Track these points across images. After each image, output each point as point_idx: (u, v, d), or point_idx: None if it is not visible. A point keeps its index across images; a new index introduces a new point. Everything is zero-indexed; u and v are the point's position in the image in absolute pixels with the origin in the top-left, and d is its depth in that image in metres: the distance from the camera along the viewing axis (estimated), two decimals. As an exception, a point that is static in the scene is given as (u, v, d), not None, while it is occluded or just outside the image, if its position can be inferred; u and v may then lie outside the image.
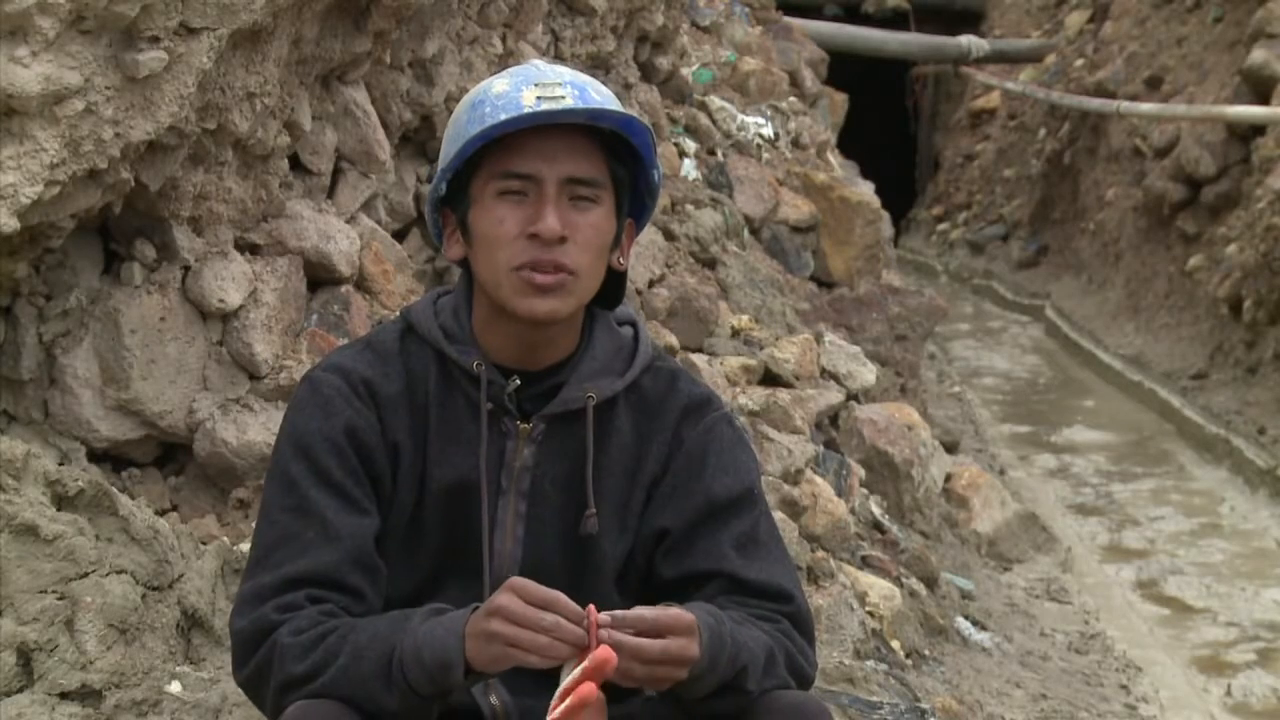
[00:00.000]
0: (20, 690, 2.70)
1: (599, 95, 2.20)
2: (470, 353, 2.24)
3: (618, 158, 2.23)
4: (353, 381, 2.23)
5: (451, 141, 2.22)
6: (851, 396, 6.41)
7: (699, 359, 5.54)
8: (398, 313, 2.49)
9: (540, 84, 2.18)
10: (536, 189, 2.18)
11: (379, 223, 4.50)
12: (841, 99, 11.82)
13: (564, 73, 2.23)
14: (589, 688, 1.94)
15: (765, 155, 8.42)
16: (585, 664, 1.95)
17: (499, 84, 2.21)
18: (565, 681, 1.96)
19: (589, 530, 2.24)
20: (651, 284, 5.98)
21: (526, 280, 2.17)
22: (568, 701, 1.94)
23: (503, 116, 2.15)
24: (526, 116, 2.15)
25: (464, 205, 2.23)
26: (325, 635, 2.10)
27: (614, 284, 2.31)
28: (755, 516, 2.29)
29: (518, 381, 2.23)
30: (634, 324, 2.36)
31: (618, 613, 2.02)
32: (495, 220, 2.19)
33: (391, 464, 2.23)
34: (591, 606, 2.00)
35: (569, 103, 2.16)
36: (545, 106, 2.15)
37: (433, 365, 2.25)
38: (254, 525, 2.32)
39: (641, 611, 2.03)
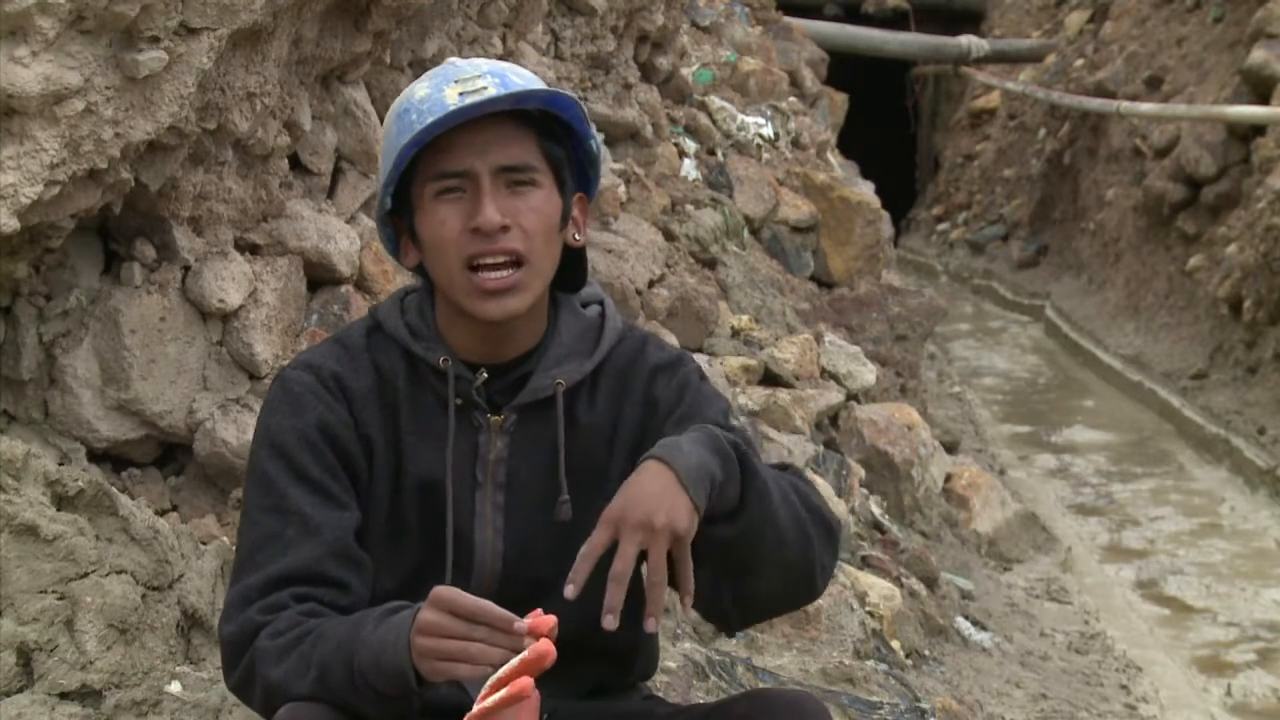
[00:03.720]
0: (20, 690, 2.70)
1: (519, 79, 2.20)
2: (436, 349, 2.24)
3: (551, 136, 2.23)
4: (323, 377, 2.23)
5: (386, 155, 2.23)
6: (851, 396, 6.41)
7: (699, 359, 5.54)
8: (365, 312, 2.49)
9: (460, 79, 2.19)
10: (472, 183, 2.18)
11: (379, 223, 4.49)
12: (841, 99, 11.82)
13: (481, 64, 2.23)
14: (525, 682, 1.88)
15: (765, 155, 8.42)
16: (524, 655, 1.89)
17: (420, 89, 2.22)
18: (501, 671, 1.90)
19: (563, 517, 2.23)
20: (651, 284, 5.98)
21: (478, 285, 2.17)
22: (501, 693, 1.88)
23: (429, 120, 2.15)
24: (453, 114, 2.15)
25: (409, 213, 2.24)
26: (300, 639, 2.09)
27: (575, 263, 2.30)
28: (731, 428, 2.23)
29: (484, 375, 2.23)
30: (601, 302, 2.35)
31: (574, 576, 1.98)
32: (438, 221, 2.19)
33: (366, 458, 2.23)
34: (533, 616, 1.93)
35: (491, 92, 2.17)
36: (469, 100, 2.15)
37: (400, 362, 2.26)
38: (237, 529, 2.32)
39: (581, 557, 1.99)
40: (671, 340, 5.49)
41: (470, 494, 2.24)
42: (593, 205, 2.38)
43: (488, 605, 1.94)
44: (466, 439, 2.23)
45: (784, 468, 2.23)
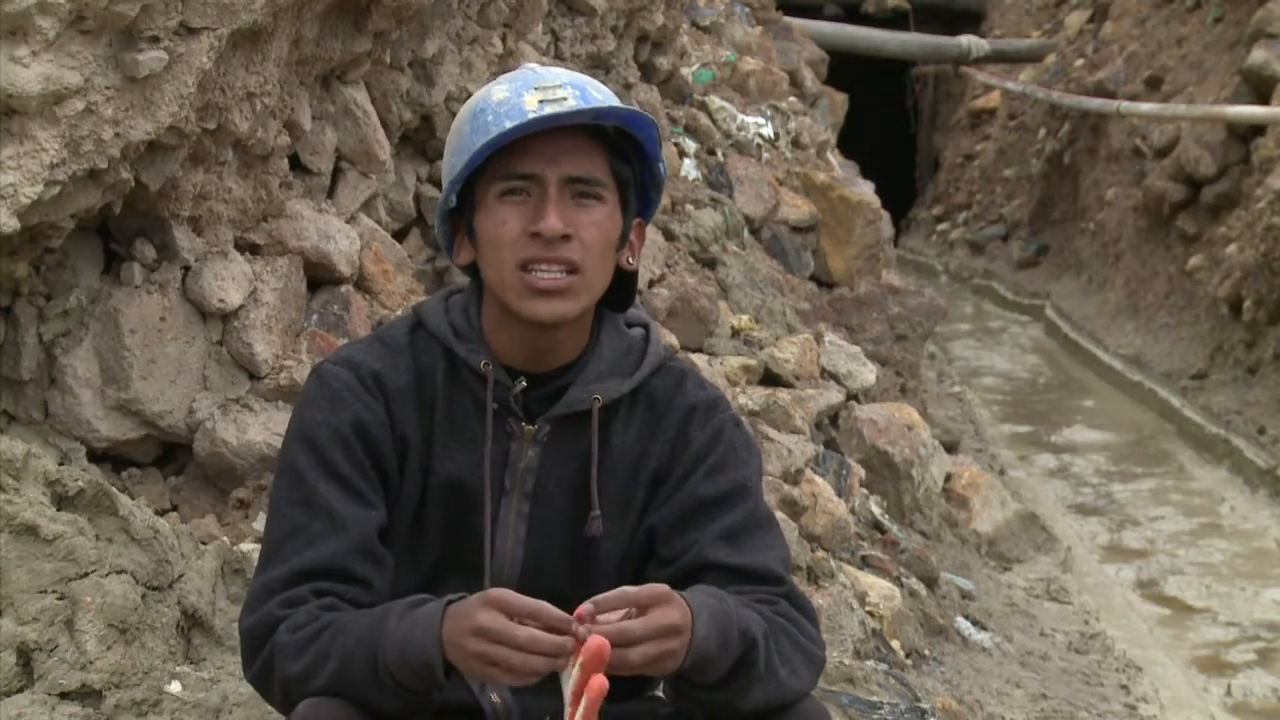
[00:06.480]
0: (20, 690, 2.70)
1: (599, 94, 2.21)
2: (479, 352, 2.25)
3: (620, 154, 2.23)
4: (362, 375, 2.24)
5: (457, 153, 2.22)
6: (851, 396, 6.40)
7: (699, 359, 5.54)
8: (408, 309, 2.50)
9: (540, 87, 2.19)
10: (539, 189, 2.18)
11: (379, 223, 4.50)
12: (841, 99, 11.81)
13: (561, 74, 2.24)
14: (598, 679, 1.91)
15: (765, 155, 8.41)
16: (580, 660, 1.92)
17: (498, 91, 2.21)
18: (570, 685, 1.94)
19: (594, 533, 2.24)
20: (651, 284, 5.98)
21: (530, 284, 2.17)
22: (584, 701, 1.92)
23: (508, 124, 2.15)
24: (533, 121, 2.15)
25: (469, 210, 2.24)
26: (319, 633, 2.10)
27: (624, 285, 2.31)
28: (747, 508, 2.26)
29: (523, 383, 2.24)
30: (646, 326, 2.36)
31: (598, 596, 1.98)
32: (499, 221, 2.19)
33: (399, 458, 2.24)
34: (580, 609, 1.97)
35: (571, 104, 2.17)
36: (549, 110, 2.16)
37: (441, 362, 2.26)
38: (263, 521, 2.33)
39: (621, 590, 2.00)
40: (671, 341, 5.49)
41: (497, 500, 2.24)
42: None
43: (543, 605, 1.96)
44: (498, 445, 2.24)
45: (782, 594, 2.22)
